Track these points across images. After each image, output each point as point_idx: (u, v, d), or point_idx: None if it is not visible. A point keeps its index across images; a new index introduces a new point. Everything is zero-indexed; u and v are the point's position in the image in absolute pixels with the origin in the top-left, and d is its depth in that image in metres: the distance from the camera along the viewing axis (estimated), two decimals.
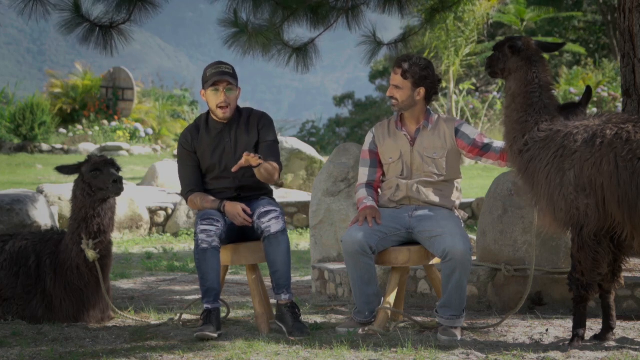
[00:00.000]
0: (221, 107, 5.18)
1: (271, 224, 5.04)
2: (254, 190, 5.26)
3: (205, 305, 5.01)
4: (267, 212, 5.07)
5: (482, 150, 5.11)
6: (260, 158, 4.99)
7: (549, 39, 29.21)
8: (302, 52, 7.83)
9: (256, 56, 7.57)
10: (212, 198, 5.18)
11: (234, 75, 5.21)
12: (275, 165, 5.14)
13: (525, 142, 4.68)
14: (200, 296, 5.77)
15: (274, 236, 5.04)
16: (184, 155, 5.29)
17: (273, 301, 5.53)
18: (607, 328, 4.70)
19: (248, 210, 5.10)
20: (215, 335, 4.84)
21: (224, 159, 5.22)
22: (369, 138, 5.25)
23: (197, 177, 5.26)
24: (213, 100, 5.19)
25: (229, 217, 5.11)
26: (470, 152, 5.13)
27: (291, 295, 5.10)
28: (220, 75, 5.16)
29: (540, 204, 4.65)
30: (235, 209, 5.08)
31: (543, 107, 4.70)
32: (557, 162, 4.53)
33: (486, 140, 5.11)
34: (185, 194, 5.27)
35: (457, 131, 5.11)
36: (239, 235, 5.21)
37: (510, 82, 4.78)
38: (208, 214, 5.07)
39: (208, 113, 5.32)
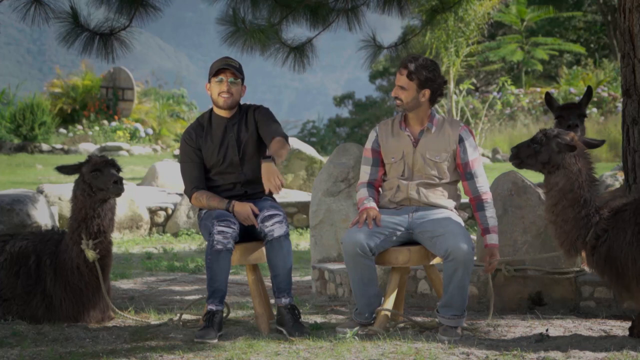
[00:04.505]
0: (223, 95, 5.20)
1: (274, 228, 5.05)
2: (259, 184, 5.23)
3: (209, 307, 4.99)
4: (271, 216, 5.07)
5: (464, 175, 5.08)
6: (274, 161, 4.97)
7: (549, 40, 29.28)
8: (300, 52, 7.81)
9: (255, 54, 7.56)
10: (219, 197, 5.18)
11: (239, 70, 5.24)
12: (279, 140, 5.09)
13: (595, 235, 4.62)
14: (200, 296, 5.77)
15: (276, 240, 5.04)
16: (188, 151, 5.28)
17: (273, 301, 5.53)
18: None
19: (256, 210, 5.10)
20: (215, 340, 4.82)
21: (229, 154, 5.24)
22: (372, 136, 5.23)
23: (200, 175, 5.26)
24: (216, 89, 5.22)
25: (238, 218, 5.10)
26: (457, 167, 5.12)
27: (291, 298, 5.09)
28: (225, 66, 5.19)
29: (634, 280, 4.55)
30: (246, 210, 5.09)
31: (596, 197, 4.67)
32: (637, 239, 4.49)
33: (473, 170, 5.06)
34: (190, 191, 5.26)
35: (460, 138, 5.09)
36: (240, 235, 5.21)
37: (556, 177, 4.68)
38: (224, 215, 5.05)
39: (211, 111, 5.34)
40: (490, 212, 5.07)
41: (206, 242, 5.08)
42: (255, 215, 5.10)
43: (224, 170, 5.25)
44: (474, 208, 5.10)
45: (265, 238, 5.06)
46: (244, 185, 5.26)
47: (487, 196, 5.08)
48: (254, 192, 5.27)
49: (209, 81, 5.25)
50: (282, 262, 5.05)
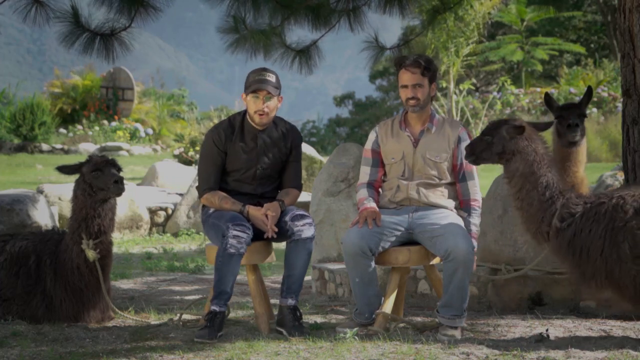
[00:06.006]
0: (259, 114, 5.20)
1: (304, 229, 5.07)
2: (270, 199, 5.28)
3: (213, 307, 4.98)
4: (302, 217, 5.10)
5: (457, 176, 5.12)
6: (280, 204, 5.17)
7: (549, 39, 29.27)
8: (305, 55, 7.83)
9: (259, 59, 7.57)
10: (232, 200, 5.19)
11: (275, 85, 5.22)
12: (295, 193, 5.31)
13: (560, 218, 4.57)
14: (200, 296, 5.77)
15: (303, 241, 5.06)
16: (212, 152, 5.26)
17: (273, 301, 5.54)
18: None
19: (270, 214, 5.10)
20: (215, 341, 4.82)
21: (253, 165, 5.24)
22: (372, 137, 5.24)
23: (218, 177, 5.27)
24: (252, 106, 5.20)
25: (253, 222, 5.11)
26: (452, 168, 5.14)
27: (296, 301, 5.11)
28: (261, 84, 5.17)
29: (598, 277, 4.51)
30: (261, 216, 5.10)
31: (559, 180, 4.64)
32: (609, 236, 4.45)
33: (467, 172, 5.10)
34: (202, 190, 5.27)
35: (459, 139, 5.11)
36: None
37: (514, 163, 4.67)
38: (239, 219, 5.04)
39: (244, 115, 5.31)
40: (475, 220, 5.09)
41: (207, 241, 5.08)
42: (281, 215, 5.12)
43: (242, 178, 5.26)
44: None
45: (291, 237, 5.07)
46: (258, 197, 5.27)
47: (476, 203, 5.12)
48: (269, 202, 5.26)
49: (245, 92, 5.24)
50: (300, 263, 5.08)
